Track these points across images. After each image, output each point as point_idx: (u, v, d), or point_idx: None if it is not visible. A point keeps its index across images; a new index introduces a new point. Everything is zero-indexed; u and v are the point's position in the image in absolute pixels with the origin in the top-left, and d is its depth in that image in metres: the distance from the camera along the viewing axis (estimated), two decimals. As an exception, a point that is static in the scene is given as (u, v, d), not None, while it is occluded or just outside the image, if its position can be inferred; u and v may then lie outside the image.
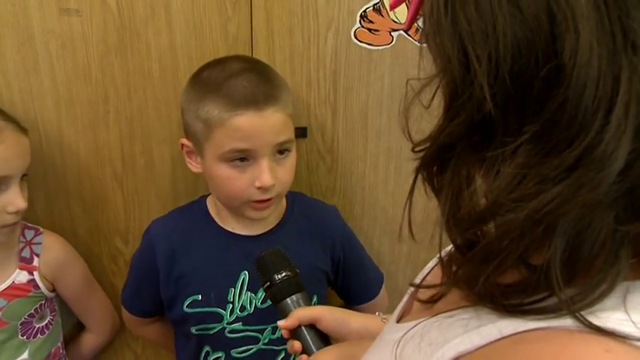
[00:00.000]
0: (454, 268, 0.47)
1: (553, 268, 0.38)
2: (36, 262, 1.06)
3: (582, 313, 0.37)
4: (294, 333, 0.77)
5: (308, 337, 0.76)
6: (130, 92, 1.08)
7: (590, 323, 0.36)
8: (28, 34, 1.02)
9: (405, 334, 0.49)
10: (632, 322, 0.36)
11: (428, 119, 0.44)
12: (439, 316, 0.47)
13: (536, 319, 0.38)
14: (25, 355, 1.07)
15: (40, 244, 1.07)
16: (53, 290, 1.11)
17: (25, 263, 1.06)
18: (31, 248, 1.07)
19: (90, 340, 1.22)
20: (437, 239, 0.46)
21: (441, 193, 0.44)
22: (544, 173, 0.36)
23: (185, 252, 1.05)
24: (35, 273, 1.06)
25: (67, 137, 1.10)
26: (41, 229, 1.09)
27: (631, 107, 0.34)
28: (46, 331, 1.10)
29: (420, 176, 0.45)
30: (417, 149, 0.45)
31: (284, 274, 0.79)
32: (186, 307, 1.04)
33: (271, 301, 0.81)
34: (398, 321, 0.59)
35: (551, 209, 0.36)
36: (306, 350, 0.76)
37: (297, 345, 0.77)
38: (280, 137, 0.95)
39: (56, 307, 1.14)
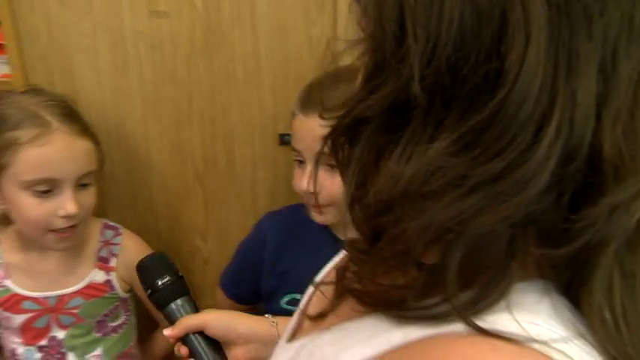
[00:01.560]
0: (352, 268, 0.44)
1: (449, 275, 0.36)
2: (113, 262, 1.09)
3: (469, 319, 0.37)
4: (184, 340, 0.75)
5: (197, 345, 0.74)
6: (213, 93, 1.10)
7: (478, 327, 0.36)
8: (120, 35, 1.05)
9: (296, 353, 0.48)
10: (516, 320, 0.36)
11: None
12: (331, 329, 0.45)
13: (427, 326, 0.38)
14: (99, 351, 1.10)
15: (118, 244, 1.10)
16: (129, 291, 1.13)
17: (103, 263, 1.08)
18: (109, 248, 1.09)
19: (164, 341, 1.24)
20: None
21: (347, 169, 0.41)
22: (461, 176, 0.34)
23: (292, 249, 1.06)
24: (112, 274, 1.08)
25: (152, 135, 1.13)
26: (121, 229, 1.12)
27: (562, 131, 0.33)
28: (120, 330, 1.13)
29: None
30: (326, 116, 0.41)
31: (167, 278, 0.76)
32: (285, 303, 1.05)
33: (156, 307, 0.79)
34: (289, 340, 0.57)
35: (463, 219, 0.34)
36: (196, 358, 0.74)
37: (183, 350, 0.75)
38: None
39: (130, 308, 1.17)
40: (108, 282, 1.08)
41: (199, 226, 1.21)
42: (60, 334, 1.07)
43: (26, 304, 1.05)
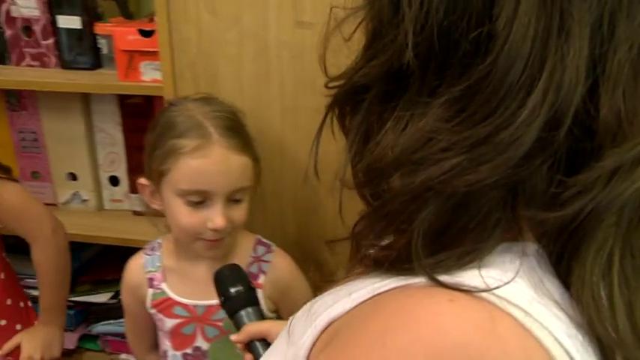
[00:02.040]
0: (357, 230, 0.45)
1: (415, 240, 0.37)
2: (261, 279, 1.09)
3: (439, 273, 0.37)
4: (249, 347, 0.79)
5: (260, 352, 0.77)
6: (351, 105, 1.09)
7: (437, 279, 0.36)
8: (265, 44, 1.08)
9: (301, 312, 0.49)
10: (481, 275, 0.36)
11: (347, 54, 0.40)
12: (332, 289, 0.46)
13: (399, 279, 0.38)
14: None
15: (269, 262, 1.10)
16: (274, 311, 1.13)
17: (252, 279, 1.09)
18: (259, 265, 1.10)
19: None
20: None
21: (349, 136, 0.42)
22: (452, 141, 0.34)
23: None
24: (259, 291, 1.09)
25: (288, 144, 1.14)
26: (273, 247, 1.12)
27: (548, 95, 0.33)
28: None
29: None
30: (330, 85, 0.42)
31: (239, 287, 0.80)
32: None
33: (226, 314, 0.82)
34: None
35: (445, 179, 0.35)
36: None
37: (248, 356, 0.79)
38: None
39: None
40: (253, 275, 1.09)
41: (328, 236, 1.20)
42: (204, 345, 1.09)
43: (177, 310, 1.08)
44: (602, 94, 0.34)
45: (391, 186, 0.38)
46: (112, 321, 1.56)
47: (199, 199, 0.96)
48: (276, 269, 1.10)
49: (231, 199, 0.98)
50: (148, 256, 1.12)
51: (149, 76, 1.31)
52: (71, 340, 1.58)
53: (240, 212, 1.00)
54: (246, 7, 1.05)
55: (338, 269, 1.23)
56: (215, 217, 0.96)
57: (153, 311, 1.10)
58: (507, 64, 0.33)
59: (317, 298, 0.47)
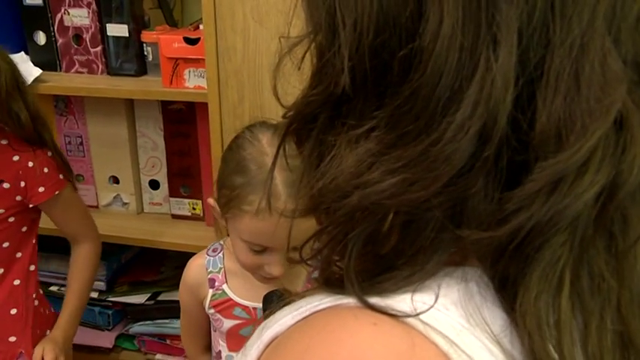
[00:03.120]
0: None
1: (347, 259, 0.37)
2: None
3: (372, 294, 0.36)
4: None
5: None
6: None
7: (365, 301, 0.36)
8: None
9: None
10: (412, 300, 0.35)
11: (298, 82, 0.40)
12: (290, 304, 0.45)
13: (335, 298, 0.37)
14: None
15: None
16: None
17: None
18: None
19: None
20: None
21: (303, 165, 0.41)
22: (388, 165, 0.33)
23: None
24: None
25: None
26: None
27: (478, 108, 0.31)
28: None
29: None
30: (286, 115, 0.41)
31: None
32: None
33: None
34: None
35: (377, 200, 0.34)
36: None
37: None
38: None
39: None
40: None
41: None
42: None
43: (237, 311, 1.10)
44: (539, 102, 0.32)
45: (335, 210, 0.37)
46: (148, 322, 1.60)
47: (260, 249, 0.97)
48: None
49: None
50: (209, 257, 1.14)
51: (193, 82, 1.35)
52: (109, 339, 1.62)
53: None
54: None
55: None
56: (273, 266, 0.97)
57: (212, 311, 1.12)
58: (434, 79, 0.32)
59: (276, 311, 0.46)
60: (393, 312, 0.35)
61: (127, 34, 1.43)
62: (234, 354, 1.13)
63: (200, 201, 1.55)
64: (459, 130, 0.32)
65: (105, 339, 1.62)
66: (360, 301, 0.36)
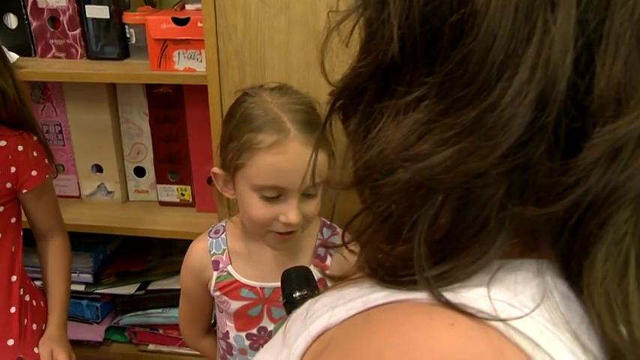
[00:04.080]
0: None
1: (417, 247, 0.34)
2: (328, 261, 1.10)
3: (443, 286, 0.34)
4: None
5: None
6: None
7: (442, 296, 0.34)
8: (315, 30, 1.08)
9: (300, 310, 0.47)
10: (488, 297, 0.33)
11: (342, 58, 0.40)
12: (330, 290, 0.44)
13: (400, 292, 0.36)
14: None
15: (335, 243, 1.11)
16: None
17: (319, 261, 1.10)
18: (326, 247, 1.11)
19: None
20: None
21: (349, 138, 0.40)
22: (441, 134, 0.32)
23: None
24: (327, 272, 1.10)
25: (337, 132, 1.15)
26: (338, 229, 1.12)
27: (537, 72, 0.30)
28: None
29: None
30: (333, 92, 0.41)
31: (304, 292, 0.78)
32: None
33: (287, 315, 0.79)
34: None
35: (433, 174, 0.32)
36: None
37: None
38: None
39: None
40: (321, 280, 1.10)
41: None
42: (270, 325, 1.11)
43: (244, 292, 1.09)
44: (597, 66, 0.31)
45: (377, 187, 0.36)
46: (139, 312, 1.56)
47: (274, 195, 0.96)
48: (342, 251, 1.11)
49: (305, 194, 0.98)
50: (212, 239, 1.12)
51: (183, 65, 1.31)
52: (98, 333, 1.57)
53: (312, 207, 1.00)
54: (295, -6, 1.05)
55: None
56: (289, 212, 0.96)
57: (217, 293, 1.10)
58: (488, 42, 0.30)
59: (316, 299, 0.44)
60: (472, 311, 0.33)
61: (108, 16, 1.37)
62: (242, 334, 1.12)
63: (189, 187, 1.51)
64: (517, 95, 0.30)
65: (94, 332, 1.57)
66: (435, 297, 0.34)
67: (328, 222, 1.13)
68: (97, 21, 1.38)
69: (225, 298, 1.10)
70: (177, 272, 1.61)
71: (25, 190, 1.16)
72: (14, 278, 1.18)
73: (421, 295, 0.35)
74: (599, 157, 0.31)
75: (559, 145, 0.32)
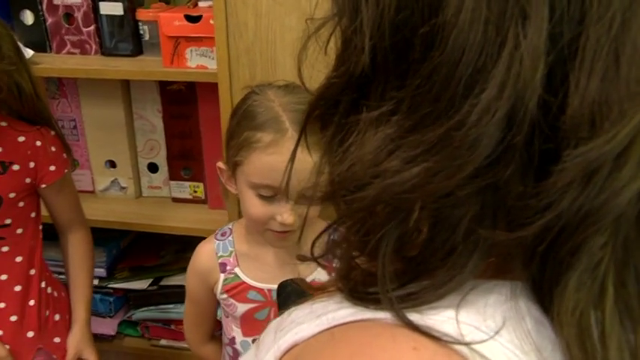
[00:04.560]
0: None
1: (380, 265, 0.34)
2: (336, 262, 1.10)
3: (410, 307, 0.33)
4: None
5: None
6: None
7: (406, 318, 0.33)
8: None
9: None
10: (457, 320, 0.32)
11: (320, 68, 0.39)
12: (305, 303, 0.43)
13: (367, 310, 0.35)
14: None
15: None
16: None
17: (327, 262, 1.09)
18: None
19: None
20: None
21: (323, 151, 0.39)
22: (408, 151, 0.31)
23: None
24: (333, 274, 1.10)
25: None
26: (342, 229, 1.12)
27: (506, 89, 0.28)
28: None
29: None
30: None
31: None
32: None
33: None
34: None
35: (397, 192, 0.31)
36: None
37: None
38: None
39: None
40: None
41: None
42: None
43: (251, 294, 1.09)
44: (571, 83, 0.29)
45: (352, 200, 0.35)
46: (152, 307, 1.57)
47: (270, 194, 0.96)
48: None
49: (303, 195, 0.96)
50: (218, 242, 1.12)
51: (195, 62, 1.31)
52: (111, 326, 1.59)
53: (311, 210, 0.98)
54: (306, -9, 1.05)
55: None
56: (284, 212, 0.96)
57: (224, 296, 1.10)
58: (456, 56, 0.29)
59: (289, 311, 0.44)
60: (437, 334, 0.32)
61: (122, 13, 1.38)
62: (249, 339, 1.12)
63: (202, 184, 1.51)
64: (485, 113, 0.29)
65: (107, 326, 1.58)
66: (400, 319, 0.33)
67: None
68: (111, 17, 1.39)
69: (232, 300, 1.10)
70: (190, 268, 1.64)
71: (44, 185, 1.17)
72: (33, 272, 1.19)
73: (386, 315, 0.34)
74: (571, 181, 0.29)
75: (532, 167, 0.31)
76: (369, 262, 0.38)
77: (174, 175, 1.53)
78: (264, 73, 1.11)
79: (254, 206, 0.97)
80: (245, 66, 1.12)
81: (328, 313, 0.38)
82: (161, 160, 1.53)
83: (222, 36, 1.10)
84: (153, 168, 1.55)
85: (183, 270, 1.60)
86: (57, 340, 1.23)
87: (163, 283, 1.59)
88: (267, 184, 0.94)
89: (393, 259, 0.34)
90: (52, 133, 1.19)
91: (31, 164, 1.14)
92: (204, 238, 1.16)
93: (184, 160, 1.50)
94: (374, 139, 0.33)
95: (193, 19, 1.27)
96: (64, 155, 1.21)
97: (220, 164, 1.04)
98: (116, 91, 1.45)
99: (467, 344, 0.31)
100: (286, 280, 0.83)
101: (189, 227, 1.47)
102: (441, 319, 0.33)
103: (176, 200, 1.55)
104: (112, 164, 1.53)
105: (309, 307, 0.41)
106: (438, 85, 0.30)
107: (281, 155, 0.93)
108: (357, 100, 0.36)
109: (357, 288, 0.37)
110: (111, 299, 1.59)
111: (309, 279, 1.07)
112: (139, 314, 1.59)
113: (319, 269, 1.07)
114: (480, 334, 0.32)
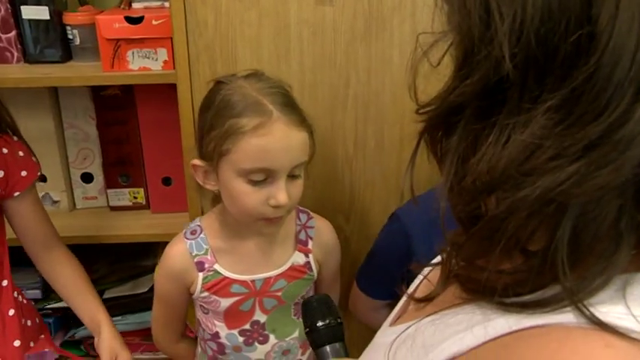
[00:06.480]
0: (454, 255, 0.44)
1: (560, 253, 0.35)
2: (310, 244, 1.12)
3: (583, 305, 0.35)
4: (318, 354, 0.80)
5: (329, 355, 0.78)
6: (369, 77, 1.16)
7: (592, 315, 0.34)
8: (285, 23, 1.11)
9: (398, 336, 0.47)
10: (633, 315, 0.34)
11: (436, 80, 0.41)
12: (433, 315, 0.44)
13: (533, 315, 0.36)
14: (296, 334, 1.15)
15: (313, 227, 1.13)
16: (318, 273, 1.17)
17: (302, 245, 1.12)
18: (306, 231, 1.13)
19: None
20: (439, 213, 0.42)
21: (445, 159, 0.41)
22: (561, 147, 0.33)
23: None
24: (310, 255, 1.12)
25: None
26: (311, 213, 1.15)
27: None
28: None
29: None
30: (422, 111, 0.42)
31: (327, 321, 0.80)
32: None
33: (311, 345, 0.83)
34: (392, 324, 0.56)
35: (565, 189, 0.33)
36: None
37: None
38: None
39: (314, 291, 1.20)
40: (307, 264, 1.12)
41: (344, 207, 1.27)
42: (262, 317, 1.12)
43: (234, 288, 1.09)
44: None
45: (499, 202, 0.36)
46: (96, 323, 1.50)
47: (262, 178, 0.96)
48: (322, 233, 1.14)
49: (290, 175, 0.99)
50: (190, 240, 1.10)
51: (137, 64, 1.28)
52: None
53: (297, 188, 1.02)
54: (264, -12, 1.07)
55: (351, 237, 1.30)
56: (278, 193, 0.97)
57: (204, 294, 1.09)
58: (613, 61, 0.32)
59: (413, 325, 0.44)
60: (623, 331, 0.33)
61: (48, 17, 1.31)
62: (235, 331, 1.13)
63: (142, 189, 1.48)
64: None
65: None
66: (587, 319, 0.34)
67: (301, 207, 1.15)
68: (35, 22, 1.32)
69: (215, 297, 1.10)
70: (133, 277, 1.59)
71: (17, 193, 1.10)
72: (5, 282, 1.12)
73: (565, 319, 0.35)
74: None
75: None
76: (495, 262, 0.38)
77: (111, 183, 1.48)
78: (225, 70, 1.12)
79: (246, 194, 0.97)
80: (205, 64, 1.13)
81: (475, 326, 0.38)
82: (96, 169, 1.47)
83: (182, 35, 1.09)
84: (87, 178, 1.48)
85: (123, 280, 1.57)
86: (32, 344, 1.18)
87: (106, 296, 1.52)
88: (260, 167, 0.95)
89: (567, 252, 0.35)
90: (15, 138, 1.13)
91: (1, 173, 1.07)
92: (152, 244, 1.13)
93: (122, 166, 1.46)
94: (520, 140, 0.35)
95: (134, 21, 1.25)
96: (33, 159, 1.15)
97: (196, 161, 1.03)
98: (43, 100, 1.38)
99: None
100: (311, 297, 0.85)
101: (132, 234, 1.43)
102: (615, 314, 0.34)
103: (115, 209, 1.50)
104: (41, 178, 1.45)
105: (442, 320, 0.42)
106: (597, 87, 0.32)
107: (271, 135, 0.94)
108: (490, 105, 0.37)
109: (505, 294, 0.38)
110: (50, 320, 1.50)
111: (287, 265, 1.10)
112: (82, 332, 1.52)
113: (296, 253, 1.11)
114: None
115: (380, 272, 1.18)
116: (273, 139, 0.95)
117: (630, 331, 0.33)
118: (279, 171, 0.97)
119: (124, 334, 1.48)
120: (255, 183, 0.97)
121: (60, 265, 1.21)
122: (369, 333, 0.64)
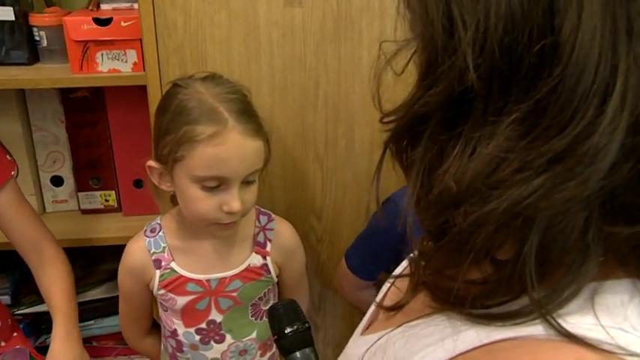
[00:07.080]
0: (422, 264, 0.44)
1: (528, 266, 0.35)
2: (269, 247, 1.13)
3: (552, 317, 0.35)
4: None
5: None
6: (339, 78, 1.16)
7: (562, 327, 0.34)
8: (254, 25, 1.11)
9: (369, 348, 0.47)
10: (602, 326, 0.34)
11: (401, 88, 0.40)
12: (403, 326, 0.44)
13: (503, 328, 0.36)
14: (254, 334, 1.15)
15: (272, 229, 1.14)
16: (278, 275, 1.17)
17: (260, 247, 1.12)
18: (265, 234, 1.13)
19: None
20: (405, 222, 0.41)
21: (411, 170, 0.40)
22: (526, 160, 0.33)
23: None
24: (268, 258, 1.12)
25: (277, 121, 1.19)
26: (273, 216, 1.15)
27: (627, 100, 0.31)
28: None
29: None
30: (386, 120, 0.41)
31: (295, 327, 0.78)
32: None
33: (280, 352, 0.82)
34: (363, 332, 0.56)
35: (532, 202, 0.33)
36: None
37: None
38: None
39: (277, 294, 1.21)
40: (264, 266, 1.13)
41: (315, 206, 1.28)
42: (218, 317, 1.12)
43: (190, 286, 1.09)
44: None
45: (467, 215, 0.36)
46: (69, 327, 1.49)
47: (215, 184, 0.96)
48: (281, 235, 1.15)
49: (244, 181, 0.99)
50: (149, 238, 1.11)
51: (107, 66, 1.27)
52: (24, 354, 1.48)
53: (251, 194, 1.02)
54: (233, -11, 1.07)
55: (323, 236, 1.30)
56: (231, 201, 0.97)
57: (162, 292, 1.10)
58: (577, 72, 0.31)
59: (385, 336, 0.44)
60: (593, 342, 0.33)
61: (13, 18, 1.29)
62: (191, 329, 1.13)
63: (113, 191, 1.47)
64: (612, 122, 0.31)
65: (21, 355, 1.47)
66: (555, 331, 0.34)
67: (262, 209, 1.16)
68: (0, 23, 1.30)
69: (171, 295, 1.10)
70: (106, 280, 1.58)
71: None
72: None
73: (535, 331, 0.35)
74: None
75: None
76: (465, 273, 0.38)
77: (82, 186, 1.46)
78: (195, 70, 1.12)
79: (199, 200, 0.98)
80: (175, 66, 1.12)
81: (446, 339, 0.38)
82: (66, 172, 1.46)
83: (151, 37, 1.09)
84: (57, 181, 1.47)
85: (97, 283, 1.55)
86: (2, 344, 1.19)
87: (80, 299, 1.51)
88: (213, 176, 0.95)
89: (535, 264, 0.35)
90: None
91: None
92: (124, 247, 1.13)
93: (92, 169, 1.45)
94: (485, 153, 0.34)
95: (103, 22, 1.24)
96: (8, 157, 1.14)
97: (151, 163, 1.02)
98: (9, 103, 1.36)
99: (628, 352, 0.32)
100: (276, 303, 0.83)
101: (104, 237, 1.42)
102: (585, 325, 0.34)
103: (86, 212, 1.49)
104: (10, 181, 1.43)
105: (413, 331, 0.42)
106: (562, 99, 0.32)
107: (225, 145, 0.94)
108: (453, 116, 0.36)
109: (474, 305, 0.38)
110: (20, 326, 1.48)
111: (243, 266, 1.11)
112: (54, 337, 1.50)
113: (253, 254, 1.12)
114: (627, 335, 0.33)
115: (372, 254, 1.19)
116: (228, 149, 0.95)
117: (601, 343, 0.33)
118: (233, 179, 0.97)
119: (97, 338, 1.49)
120: (208, 189, 0.97)
121: (42, 270, 1.19)
122: (342, 334, 0.65)
